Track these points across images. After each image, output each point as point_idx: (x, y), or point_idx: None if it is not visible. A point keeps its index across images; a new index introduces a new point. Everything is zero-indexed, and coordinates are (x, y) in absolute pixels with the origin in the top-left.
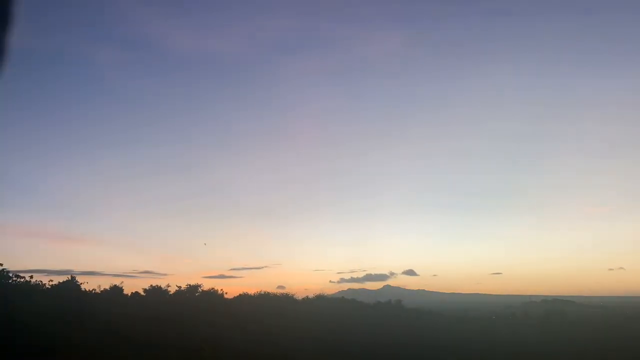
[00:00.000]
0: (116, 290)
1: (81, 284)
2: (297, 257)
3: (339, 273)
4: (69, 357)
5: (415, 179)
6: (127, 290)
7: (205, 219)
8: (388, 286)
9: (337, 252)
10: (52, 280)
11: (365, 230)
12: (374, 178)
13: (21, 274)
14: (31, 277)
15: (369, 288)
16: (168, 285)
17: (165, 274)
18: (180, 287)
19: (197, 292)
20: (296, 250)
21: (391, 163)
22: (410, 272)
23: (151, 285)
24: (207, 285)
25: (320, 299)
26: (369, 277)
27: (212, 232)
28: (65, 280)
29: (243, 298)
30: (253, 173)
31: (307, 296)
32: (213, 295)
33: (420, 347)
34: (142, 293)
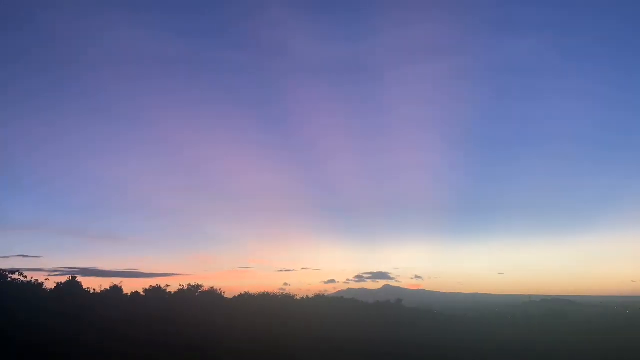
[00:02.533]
0: (116, 290)
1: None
2: (298, 257)
3: (340, 273)
4: (69, 356)
5: (419, 179)
6: (127, 290)
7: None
8: (388, 286)
9: (339, 252)
10: (47, 279)
11: (366, 229)
12: (381, 178)
13: (22, 274)
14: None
15: (369, 288)
16: (167, 285)
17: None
18: (182, 286)
19: (197, 292)
20: (298, 251)
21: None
22: (412, 273)
23: (151, 285)
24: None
25: (320, 298)
26: (369, 277)
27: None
28: (66, 280)
29: (243, 298)
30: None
31: (307, 296)
32: (213, 295)
33: (420, 346)
34: (142, 293)
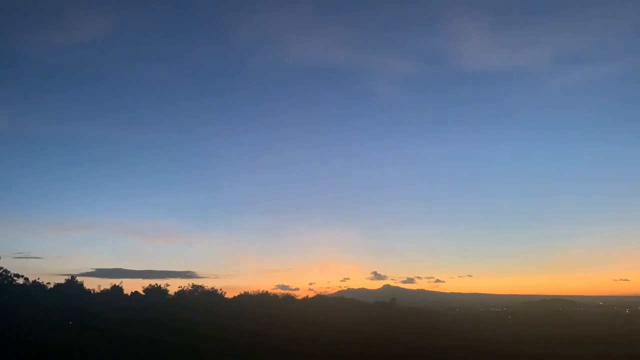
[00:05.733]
0: (116, 290)
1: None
2: (302, 257)
3: (342, 273)
4: (69, 356)
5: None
6: (127, 290)
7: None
8: (388, 286)
9: (341, 252)
10: (48, 283)
11: (367, 230)
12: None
13: (24, 277)
14: (38, 278)
15: (369, 287)
16: (167, 285)
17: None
18: (181, 287)
19: (197, 292)
20: (301, 251)
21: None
22: (411, 273)
23: (151, 284)
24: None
25: (319, 298)
26: (370, 277)
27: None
28: (65, 280)
29: (243, 298)
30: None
31: (307, 296)
32: (213, 295)
33: (420, 346)
34: (142, 293)
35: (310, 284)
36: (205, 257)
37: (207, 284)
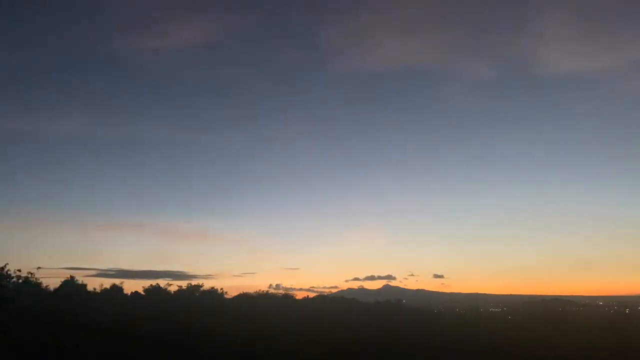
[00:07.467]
0: (116, 289)
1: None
2: (302, 257)
3: (342, 274)
4: (69, 356)
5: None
6: (127, 290)
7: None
8: (388, 286)
9: (342, 252)
10: (43, 278)
11: (368, 230)
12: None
13: (24, 274)
14: (39, 276)
15: (369, 288)
16: (169, 284)
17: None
18: (180, 286)
19: (197, 292)
20: (304, 251)
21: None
22: (411, 273)
23: (151, 284)
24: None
25: (319, 298)
26: (369, 277)
27: None
28: (65, 279)
29: (243, 298)
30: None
31: (307, 296)
32: (213, 295)
33: (420, 346)
34: (142, 292)
35: (295, 286)
36: (225, 258)
37: (214, 284)
